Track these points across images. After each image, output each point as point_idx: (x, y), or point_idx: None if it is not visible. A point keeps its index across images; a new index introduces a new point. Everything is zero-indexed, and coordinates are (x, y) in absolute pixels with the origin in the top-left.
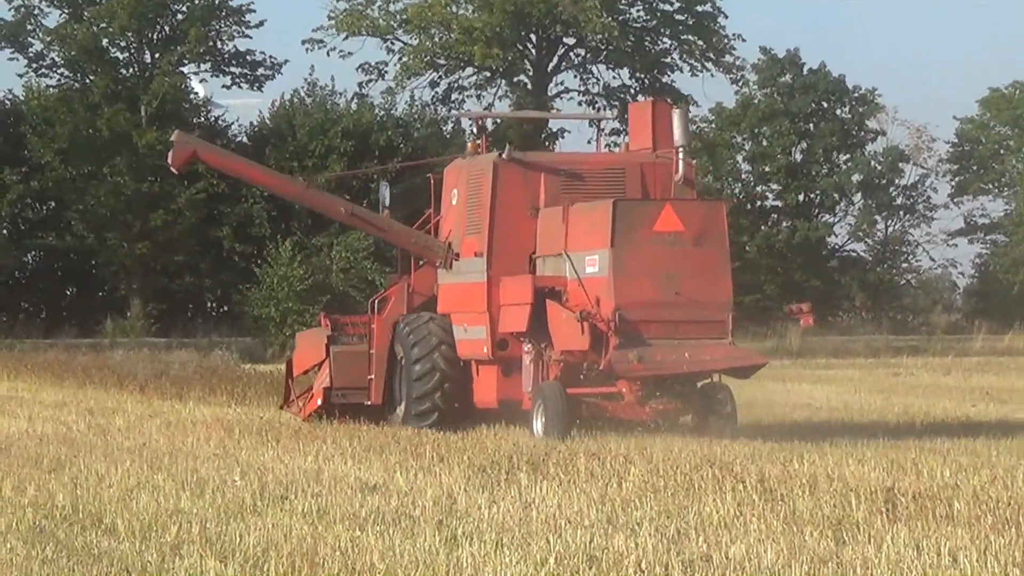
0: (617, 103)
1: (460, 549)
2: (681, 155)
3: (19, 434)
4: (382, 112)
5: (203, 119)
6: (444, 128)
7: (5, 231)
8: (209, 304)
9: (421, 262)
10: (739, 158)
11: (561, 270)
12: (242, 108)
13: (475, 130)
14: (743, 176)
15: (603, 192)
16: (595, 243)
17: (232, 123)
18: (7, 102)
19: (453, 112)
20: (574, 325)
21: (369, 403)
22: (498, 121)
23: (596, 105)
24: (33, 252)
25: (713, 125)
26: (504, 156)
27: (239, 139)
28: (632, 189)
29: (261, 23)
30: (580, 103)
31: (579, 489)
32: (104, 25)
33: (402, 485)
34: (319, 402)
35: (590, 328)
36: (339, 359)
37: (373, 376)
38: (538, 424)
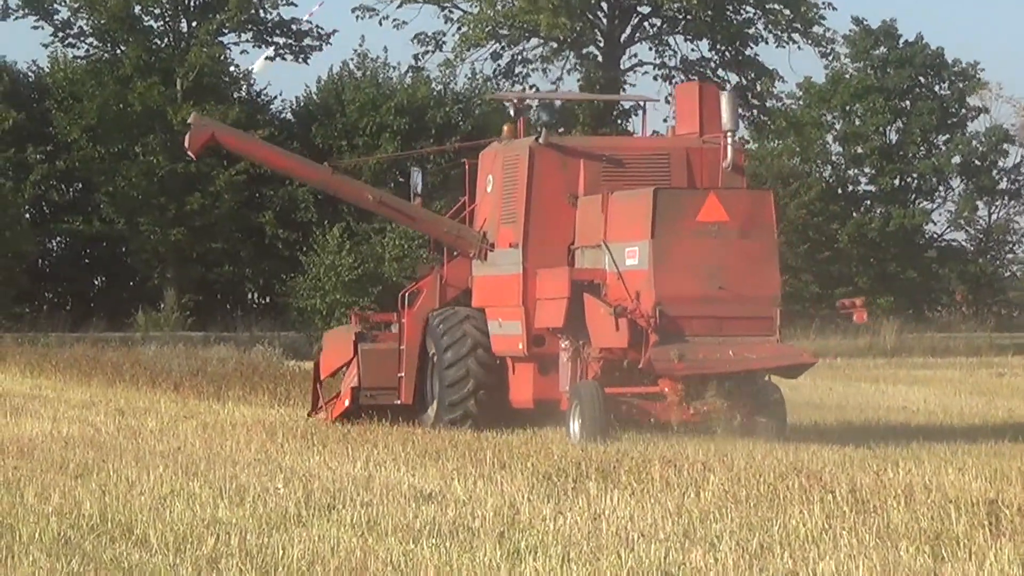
0: (696, 78)
1: (523, 564)
2: (730, 140)
3: (43, 436)
4: (439, 87)
5: (244, 94)
6: (506, 105)
7: (28, 215)
8: (250, 295)
9: (455, 253)
10: (829, 138)
11: (600, 262)
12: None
13: (512, 112)
14: (833, 158)
15: (646, 179)
16: (635, 234)
17: (275, 98)
18: (31, 74)
19: (487, 95)
20: (611, 321)
21: (399, 403)
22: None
23: (673, 80)
24: (58, 238)
25: (800, 102)
26: (541, 141)
27: (283, 115)
28: (677, 176)
29: None
30: (655, 78)
31: (653, 499)
32: None
33: (460, 494)
34: (347, 403)
35: (628, 324)
36: (368, 357)
37: (403, 374)
38: (575, 426)
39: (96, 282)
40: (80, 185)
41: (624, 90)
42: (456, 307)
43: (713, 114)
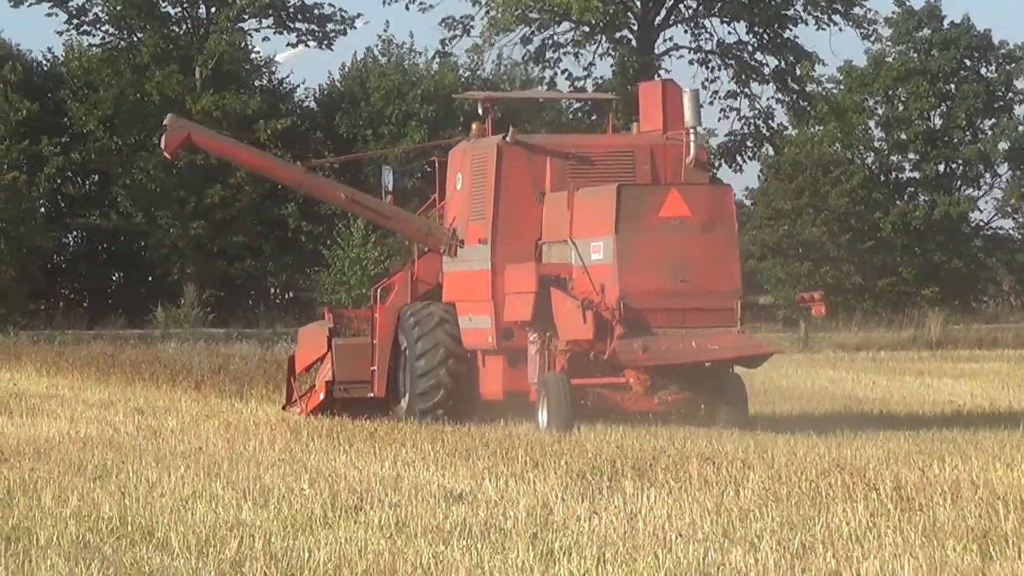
0: (733, 62)
1: (557, 566)
2: (692, 137)
3: (60, 437)
4: (467, 73)
5: (265, 82)
6: (540, 88)
7: (43, 209)
8: (272, 290)
9: (426, 249)
10: (871, 123)
11: (567, 257)
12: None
13: (481, 111)
14: (876, 144)
15: (611, 176)
16: (600, 230)
17: (298, 86)
18: (45, 63)
19: (455, 96)
20: (577, 314)
21: (372, 396)
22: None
23: (709, 64)
24: (75, 232)
25: (841, 86)
26: (508, 139)
27: (306, 104)
28: (642, 172)
29: None
30: (691, 62)
31: (691, 498)
32: None
33: (491, 494)
34: (321, 397)
35: (593, 317)
36: (341, 352)
37: (376, 367)
38: (543, 416)
39: (114, 278)
40: (96, 178)
41: (659, 75)
42: (429, 305)
43: (676, 111)
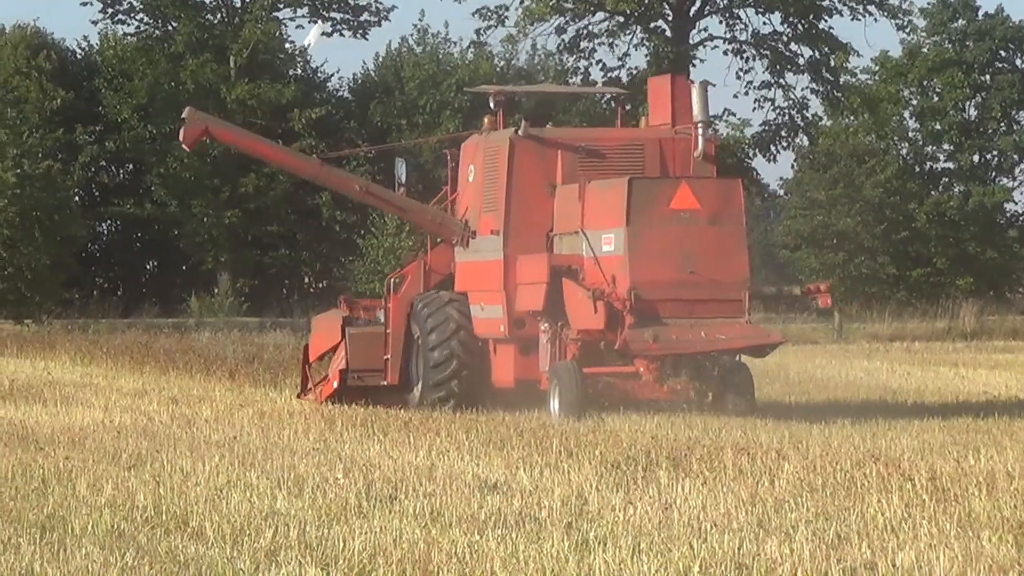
0: (767, 52)
1: (592, 555)
2: (700, 131)
3: (94, 426)
4: (502, 63)
5: (300, 71)
6: (572, 80)
7: (77, 198)
8: (306, 279)
9: (438, 240)
10: (906, 114)
11: (578, 248)
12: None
13: (492, 105)
14: (910, 134)
15: (621, 169)
16: (611, 221)
17: (332, 75)
18: (79, 52)
19: (466, 89)
20: (589, 304)
21: (386, 383)
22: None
23: (744, 54)
24: (109, 221)
25: (876, 77)
26: (520, 132)
27: (340, 93)
28: (651, 165)
29: None
30: (725, 52)
31: (726, 488)
32: None
33: (526, 484)
34: (335, 385)
35: (605, 307)
36: (355, 340)
37: (389, 356)
38: (554, 404)
39: (148, 267)
40: (131, 167)
41: (694, 66)
42: (440, 291)
43: (685, 106)
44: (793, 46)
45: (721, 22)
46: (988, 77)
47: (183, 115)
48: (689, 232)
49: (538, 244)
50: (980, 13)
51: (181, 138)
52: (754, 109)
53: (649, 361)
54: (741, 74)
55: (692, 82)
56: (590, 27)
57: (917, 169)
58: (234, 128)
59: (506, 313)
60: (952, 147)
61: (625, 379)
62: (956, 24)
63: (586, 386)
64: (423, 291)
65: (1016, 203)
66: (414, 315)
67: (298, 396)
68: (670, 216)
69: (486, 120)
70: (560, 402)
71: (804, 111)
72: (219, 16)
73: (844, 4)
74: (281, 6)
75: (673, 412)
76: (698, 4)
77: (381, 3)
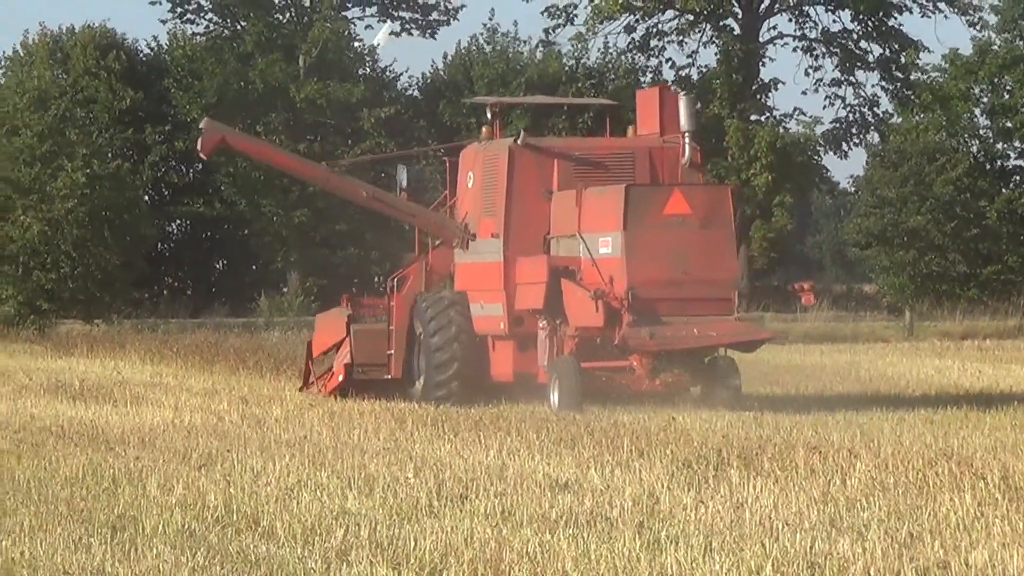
0: (837, 50)
1: (663, 554)
2: (687, 140)
3: (165, 425)
4: (571, 61)
5: (368, 70)
6: (642, 79)
7: (147, 198)
8: (376, 278)
9: (438, 242)
10: (977, 112)
11: (575, 250)
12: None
13: (490, 115)
14: (981, 132)
15: (614, 176)
16: (608, 225)
17: (401, 75)
18: (149, 52)
19: (466, 100)
20: (589, 303)
21: (389, 377)
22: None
23: (814, 52)
24: (178, 221)
25: (947, 74)
26: (519, 142)
27: (409, 92)
28: (641, 173)
29: None
30: (795, 50)
31: (797, 487)
32: None
33: (597, 483)
34: (340, 379)
35: (604, 306)
36: (359, 336)
37: (393, 351)
38: (554, 397)
39: (217, 266)
40: (200, 166)
41: (763, 64)
42: (443, 293)
43: (672, 116)
44: (863, 43)
45: (791, 20)
46: None
47: (200, 125)
48: (682, 235)
49: (536, 246)
50: None
51: (199, 147)
52: (824, 107)
53: (642, 356)
54: (811, 71)
55: (679, 94)
56: (660, 25)
57: (988, 167)
58: (249, 137)
59: (506, 311)
60: (1023, 145)
61: (620, 373)
62: None
63: (584, 380)
64: (424, 290)
65: None
66: (417, 313)
67: (300, 389)
68: (664, 221)
69: (484, 129)
70: (560, 395)
71: (875, 108)
72: (288, 15)
73: (914, 1)
74: (350, 5)
75: (664, 404)
76: (768, 2)
77: (450, 2)
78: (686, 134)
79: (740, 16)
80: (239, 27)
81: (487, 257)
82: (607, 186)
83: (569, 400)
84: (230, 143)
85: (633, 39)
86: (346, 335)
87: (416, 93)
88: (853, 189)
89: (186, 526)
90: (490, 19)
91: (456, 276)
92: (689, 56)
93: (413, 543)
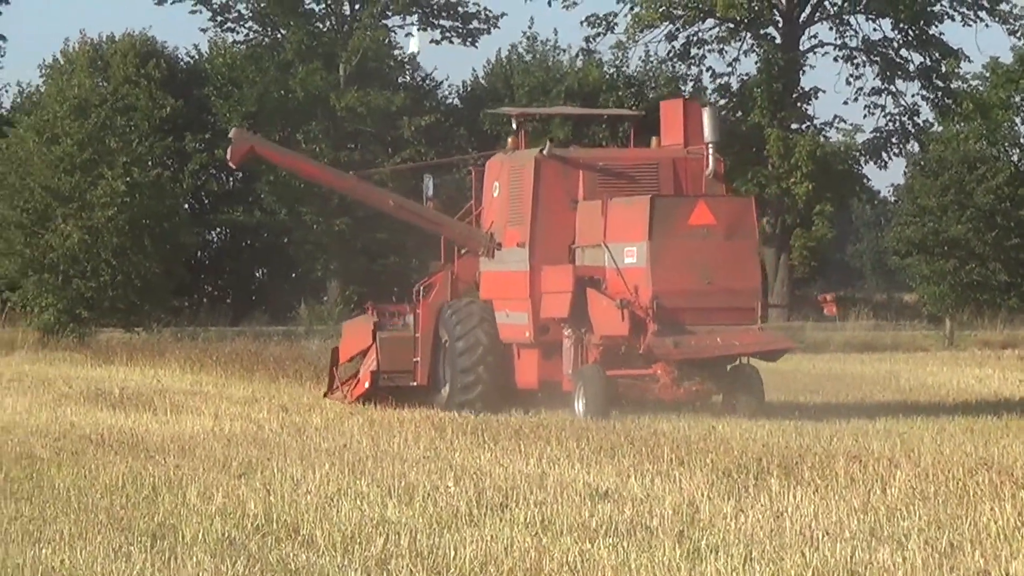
0: (878, 59)
1: (704, 564)
2: (711, 151)
3: (204, 433)
4: (612, 69)
5: (409, 78)
6: (683, 88)
7: (187, 206)
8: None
9: (464, 251)
10: (1017, 120)
11: (600, 260)
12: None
13: (515, 125)
14: (1022, 141)
15: (638, 187)
16: (634, 236)
17: (441, 83)
18: (189, 60)
19: (486, 111)
20: (615, 312)
21: (415, 384)
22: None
23: (855, 60)
24: (218, 229)
25: (987, 83)
26: (545, 153)
27: (450, 100)
28: (665, 183)
29: None
30: (836, 58)
31: (838, 496)
32: None
33: (637, 492)
34: (366, 385)
35: (629, 315)
36: (386, 344)
37: (419, 358)
38: (579, 404)
39: (257, 274)
40: (240, 174)
41: (803, 72)
42: (471, 303)
43: (696, 128)
44: (904, 52)
45: (831, 28)
46: None
47: (229, 135)
48: (706, 246)
49: (561, 256)
50: None
51: (228, 156)
52: (864, 116)
53: (666, 364)
54: (851, 80)
55: (703, 105)
56: (700, 34)
57: None
58: (277, 147)
59: (531, 320)
60: None
61: (644, 381)
62: None
63: (609, 388)
64: (450, 298)
65: None
66: (443, 321)
67: (324, 395)
68: (688, 231)
69: (510, 140)
70: (586, 402)
71: (915, 117)
72: (328, 24)
73: (955, 10)
74: (390, 14)
75: (685, 412)
76: (808, 10)
77: (490, 11)
78: (710, 145)
79: (780, 25)
80: (279, 35)
81: (513, 266)
82: (633, 196)
83: (594, 408)
84: (259, 152)
85: (673, 47)
86: (372, 342)
87: (456, 101)
88: (893, 198)
89: (226, 535)
90: (530, 27)
91: (482, 285)
92: (729, 65)
93: (453, 552)
